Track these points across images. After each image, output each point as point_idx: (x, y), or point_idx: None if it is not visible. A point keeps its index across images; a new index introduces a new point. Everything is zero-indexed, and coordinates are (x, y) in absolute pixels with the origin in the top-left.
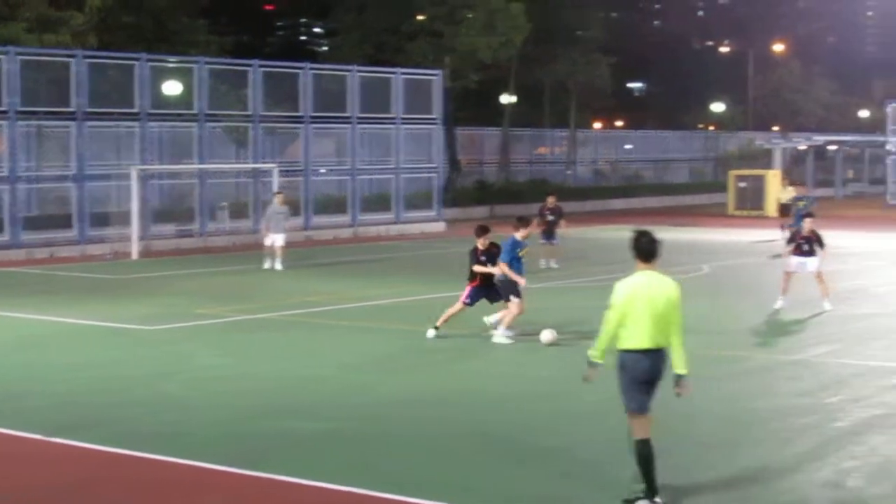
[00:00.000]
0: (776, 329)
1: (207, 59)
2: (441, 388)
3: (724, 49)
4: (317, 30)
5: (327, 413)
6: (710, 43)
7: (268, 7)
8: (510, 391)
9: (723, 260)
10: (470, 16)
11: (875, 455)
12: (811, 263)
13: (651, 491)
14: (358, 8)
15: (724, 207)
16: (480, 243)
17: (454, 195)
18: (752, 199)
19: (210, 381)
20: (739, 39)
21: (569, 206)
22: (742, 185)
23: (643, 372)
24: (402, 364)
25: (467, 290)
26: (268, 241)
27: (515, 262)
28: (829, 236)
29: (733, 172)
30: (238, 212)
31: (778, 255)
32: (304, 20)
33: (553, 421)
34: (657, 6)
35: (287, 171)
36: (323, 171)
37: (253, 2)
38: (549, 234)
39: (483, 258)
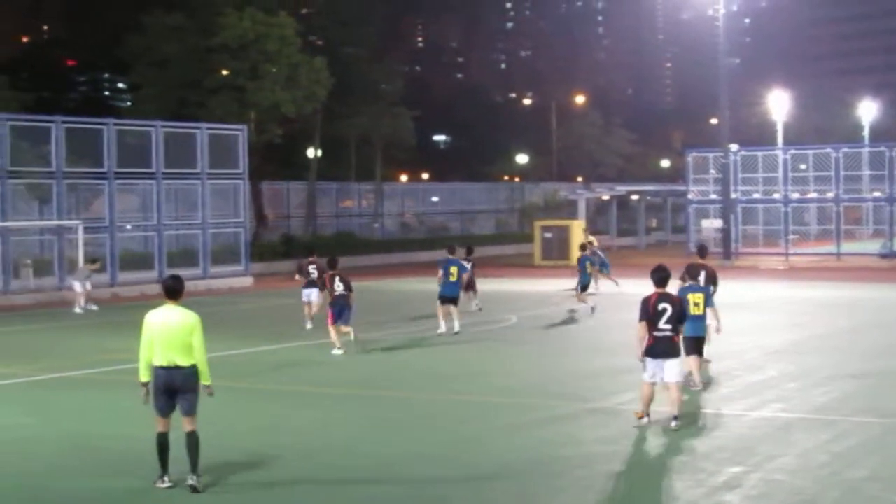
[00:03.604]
0: (580, 377)
1: (8, 116)
2: (250, 445)
3: (526, 101)
4: (120, 85)
5: (131, 471)
6: (513, 95)
7: (69, 62)
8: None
9: (530, 310)
10: (273, 70)
11: (678, 500)
12: None
13: (163, 471)
14: (159, 63)
15: (530, 258)
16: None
17: (261, 249)
18: (557, 250)
19: (12, 442)
20: (541, 91)
21: (375, 259)
22: (547, 235)
23: (160, 384)
24: (207, 420)
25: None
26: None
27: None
28: (626, 285)
29: (538, 223)
30: (42, 269)
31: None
32: (106, 75)
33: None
34: (460, 59)
35: (92, 227)
36: (128, 227)
37: (53, 57)
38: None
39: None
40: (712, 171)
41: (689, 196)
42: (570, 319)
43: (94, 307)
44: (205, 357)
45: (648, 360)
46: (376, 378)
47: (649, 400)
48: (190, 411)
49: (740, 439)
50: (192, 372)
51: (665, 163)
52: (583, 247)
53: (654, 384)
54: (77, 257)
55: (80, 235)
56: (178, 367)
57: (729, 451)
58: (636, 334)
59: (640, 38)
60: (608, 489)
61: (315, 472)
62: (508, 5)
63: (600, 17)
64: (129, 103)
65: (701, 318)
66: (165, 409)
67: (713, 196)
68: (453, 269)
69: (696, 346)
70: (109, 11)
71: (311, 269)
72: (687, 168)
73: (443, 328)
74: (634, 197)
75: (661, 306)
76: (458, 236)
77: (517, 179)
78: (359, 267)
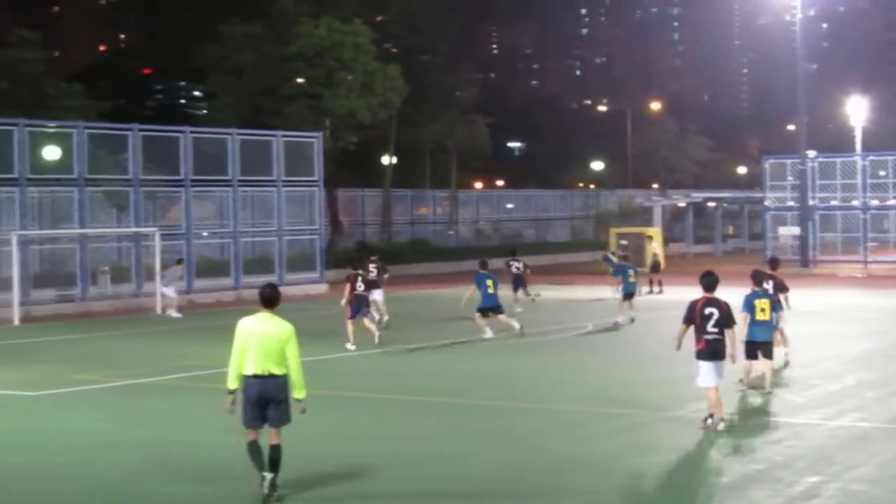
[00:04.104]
0: (656, 385)
1: (86, 124)
2: (335, 454)
3: (601, 108)
4: (195, 93)
5: (207, 478)
6: (588, 102)
7: (145, 71)
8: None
9: (605, 317)
10: (349, 78)
11: None
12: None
13: (262, 468)
14: (235, 71)
15: (606, 265)
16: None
17: (336, 257)
18: (633, 257)
19: (91, 447)
20: (616, 98)
21: (450, 266)
22: (623, 242)
23: (253, 394)
24: (288, 429)
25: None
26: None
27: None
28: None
29: (614, 230)
30: (120, 276)
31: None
32: (182, 84)
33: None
34: (534, 66)
35: (168, 234)
36: (205, 234)
37: (130, 66)
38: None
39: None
40: (790, 177)
41: (766, 203)
42: (644, 325)
43: (178, 314)
44: (300, 368)
45: (703, 363)
46: (453, 385)
47: (719, 403)
48: (281, 421)
49: (818, 449)
50: (285, 381)
51: (741, 169)
52: (625, 257)
53: (717, 388)
54: (154, 264)
55: (157, 242)
56: (272, 376)
57: (806, 461)
58: (676, 333)
59: (716, 43)
60: (685, 498)
61: (407, 483)
62: (583, 12)
63: (676, 23)
64: (204, 111)
65: (767, 324)
66: (257, 421)
67: (791, 203)
68: (489, 282)
69: (763, 349)
70: (184, 20)
71: (372, 267)
72: (764, 175)
73: (489, 333)
74: (711, 204)
75: (707, 311)
76: (532, 243)
77: (592, 186)
78: (434, 274)
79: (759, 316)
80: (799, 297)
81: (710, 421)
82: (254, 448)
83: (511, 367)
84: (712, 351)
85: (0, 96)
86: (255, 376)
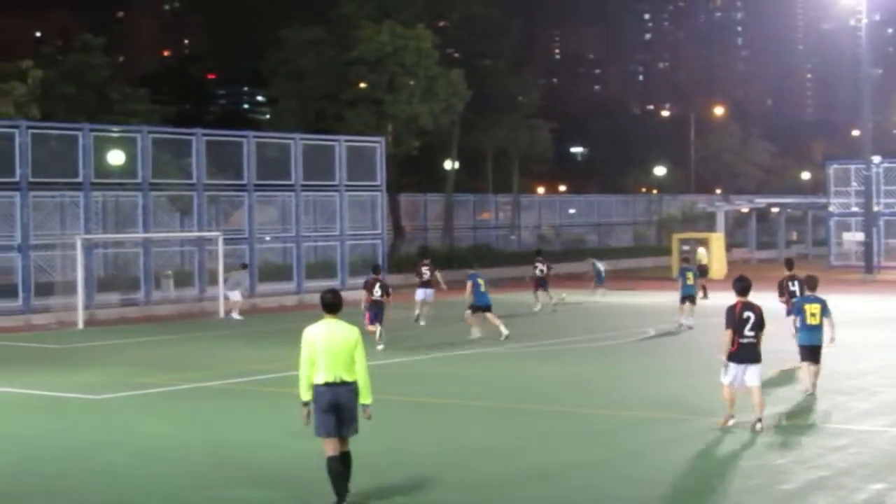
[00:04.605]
0: (717, 391)
1: (150, 129)
2: (402, 461)
3: (664, 113)
4: (258, 98)
5: (271, 482)
6: (651, 107)
7: (209, 76)
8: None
9: (668, 322)
10: (411, 83)
11: None
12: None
13: (341, 497)
14: (297, 76)
15: (668, 271)
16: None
17: (398, 261)
18: (696, 262)
19: (154, 451)
20: (679, 103)
21: (512, 272)
22: (686, 248)
23: (325, 403)
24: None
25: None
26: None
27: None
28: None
29: (677, 236)
30: (183, 280)
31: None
32: (245, 89)
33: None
34: (597, 71)
35: (231, 238)
36: (268, 238)
37: (194, 71)
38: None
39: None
40: (854, 183)
41: (830, 209)
42: (704, 330)
43: (240, 317)
44: (367, 373)
45: (732, 364)
46: (521, 391)
47: (733, 401)
48: (351, 431)
49: (883, 455)
50: (356, 388)
51: (805, 175)
52: (685, 260)
53: (733, 387)
54: (217, 268)
55: (220, 247)
56: (344, 383)
57: (871, 468)
58: (723, 340)
59: (780, 48)
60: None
61: (489, 492)
62: (647, 17)
63: (739, 28)
64: (267, 116)
65: (817, 328)
66: (335, 428)
67: (855, 209)
68: (481, 281)
69: (812, 354)
70: (248, 26)
71: (424, 269)
72: (828, 180)
73: (477, 334)
74: (774, 209)
75: (745, 315)
76: (594, 248)
77: (655, 191)
78: (496, 279)
79: (810, 321)
80: (863, 304)
81: (759, 426)
82: (335, 466)
83: (579, 370)
84: (744, 354)
85: (66, 101)
86: (327, 384)
